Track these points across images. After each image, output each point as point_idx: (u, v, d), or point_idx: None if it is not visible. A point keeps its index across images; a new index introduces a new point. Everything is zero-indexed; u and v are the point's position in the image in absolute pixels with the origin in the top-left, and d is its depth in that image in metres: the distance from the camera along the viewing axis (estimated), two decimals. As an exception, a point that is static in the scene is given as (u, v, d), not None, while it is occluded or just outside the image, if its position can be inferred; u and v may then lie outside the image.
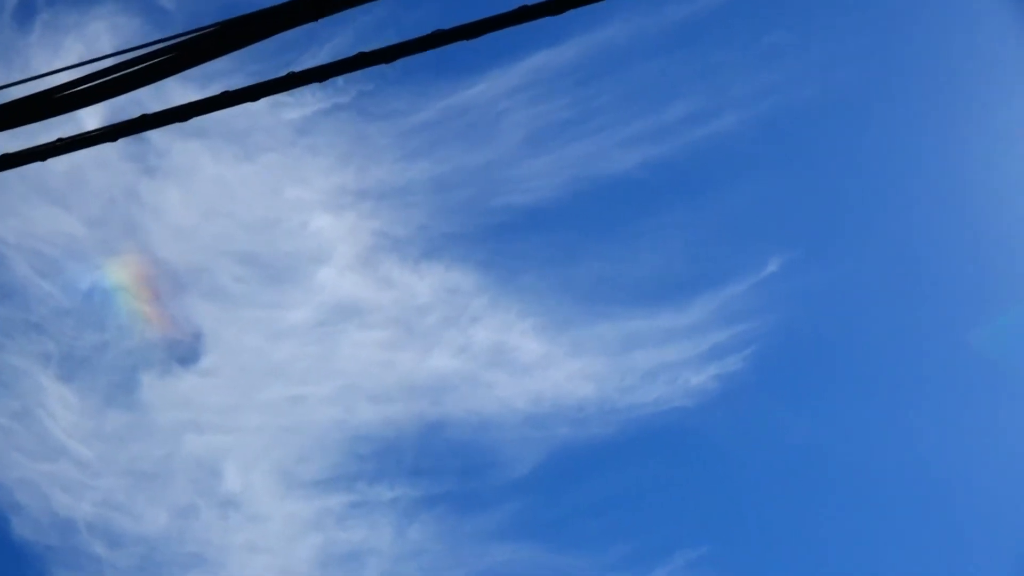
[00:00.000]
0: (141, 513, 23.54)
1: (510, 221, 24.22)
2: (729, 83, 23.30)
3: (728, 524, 24.24)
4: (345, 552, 23.60)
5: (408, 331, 24.46)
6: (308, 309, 24.35)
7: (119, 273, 23.53)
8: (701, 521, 24.19)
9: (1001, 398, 22.21)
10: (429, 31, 4.32)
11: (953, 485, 22.52)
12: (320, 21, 4.45)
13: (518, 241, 24.66)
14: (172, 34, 4.48)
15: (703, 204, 24.62)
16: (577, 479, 24.25)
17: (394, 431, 24.00)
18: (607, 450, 24.12)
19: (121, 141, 4.60)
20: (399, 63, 4.41)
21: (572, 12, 4.34)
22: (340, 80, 21.74)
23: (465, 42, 4.36)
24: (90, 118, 4.95)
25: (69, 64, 4.62)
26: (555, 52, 22.58)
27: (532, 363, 24.18)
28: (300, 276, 24.52)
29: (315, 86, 4.37)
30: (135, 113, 4.58)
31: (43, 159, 4.59)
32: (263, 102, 4.50)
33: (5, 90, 4.69)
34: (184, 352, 24.12)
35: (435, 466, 24.13)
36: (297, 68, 4.39)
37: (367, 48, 4.38)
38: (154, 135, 22.21)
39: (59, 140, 4.59)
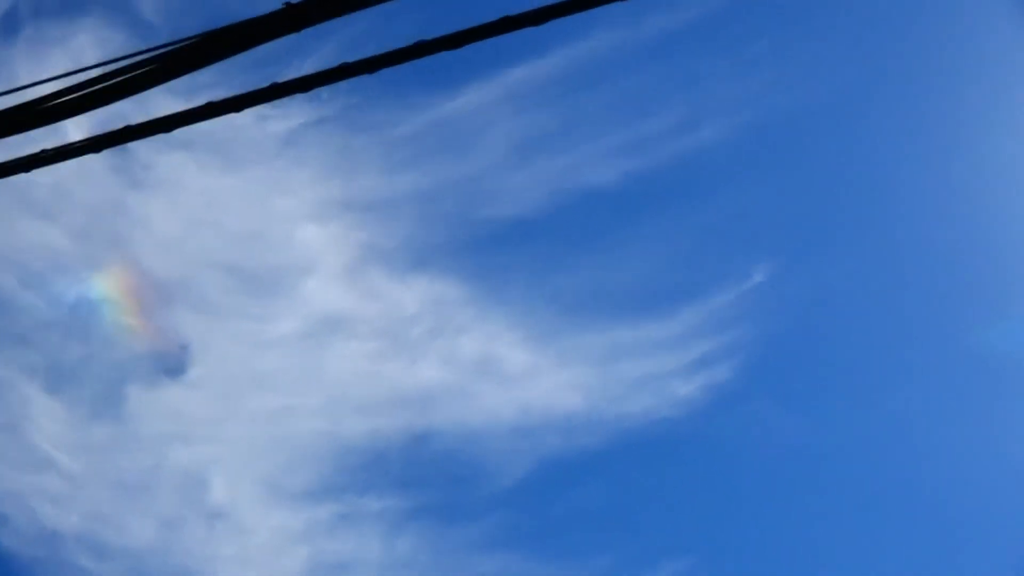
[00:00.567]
0: (128, 525, 23.52)
1: (495, 232, 24.27)
2: (711, 93, 23.37)
3: (716, 534, 24.27)
4: (333, 563, 23.60)
5: (395, 342, 24.48)
6: (294, 320, 24.35)
7: (105, 285, 23.51)
8: (689, 531, 24.21)
9: (994, 410, 22.27)
10: (412, 42, 4.34)
11: (950, 492, 22.57)
12: (302, 33, 4.47)
13: (504, 252, 24.71)
14: (154, 45, 4.49)
15: (687, 214, 24.66)
16: (565, 489, 24.26)
17: (381, 442, 24.01)
18: (595, 460, 24.14)
19: (106, 153, 4.61)
20: (385, 75, 4.43)
21: (554, 23, 4.36)
22: (325, 92, 21.55)
23: (448, 54, 4.39)
24: (74, 130, 4.96)
25: (52, 76, 4.63)
26: (538, 64, 22.64)
27: (519, 374, 24.21)
28: (286, 287, 24.54)
29: (300, 98, 4.39)
30: (118, 125, 4.59)
31: (27, 170, 4.60)
32: (248, 114, 4.52)
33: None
34: (170, 364, 24.11)
35: (422, 477, 24.14)
36: (280, 80, 4.42)
37: (350, 59, 4.40)
38: (139, 147, 22.23)
39: (43, 151, 4.60)
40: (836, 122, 23.89)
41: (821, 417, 24.35)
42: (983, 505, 21.75)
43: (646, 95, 23.28)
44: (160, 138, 4.56)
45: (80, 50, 21.43)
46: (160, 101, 4.67)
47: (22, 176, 4.66)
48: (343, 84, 4.42)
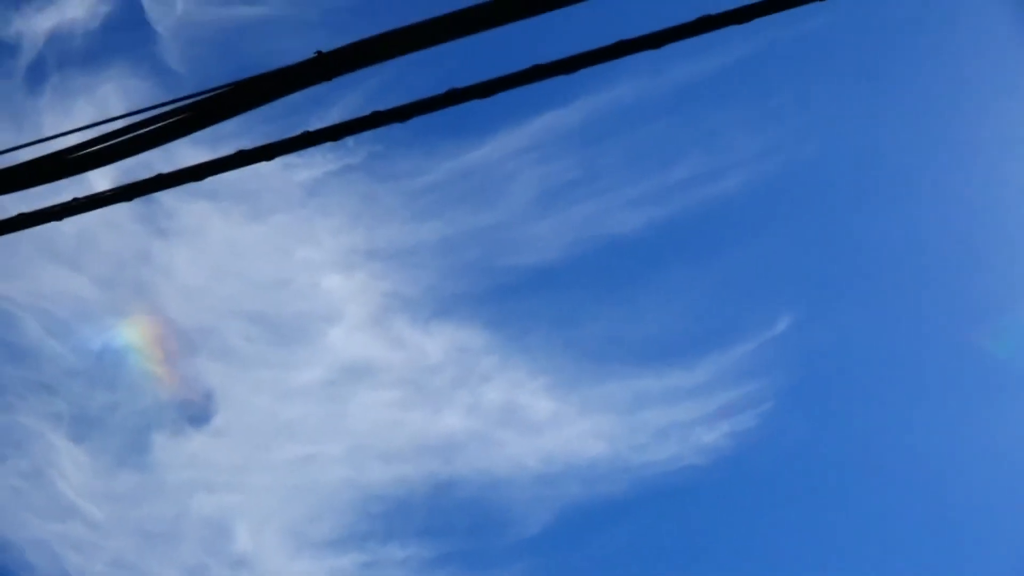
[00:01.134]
0: (152, 573, 23.46)
1: (519, 281, 24.29)
2: (733, 143, 23.40)
3: (741, 583, 24.11)
4: (356, 612, 23.50)
5: (419, 390, 24.46)
6: (318, 369, 24.36)
7: (130, 333, 23.56)
8: (714, 580, 24.07)
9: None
10: (443, 90, 4.34)
11: (976, 545, 22.40)
12: (329, 84, 4.47)
13: (527, 301, 24.71)
14: (184, 95, 4.50)
15: (710, 263, 24.66)
16: (589, 538, 24.14)
17: (405, 490, 23.94)
18: (619, 509, 24.04)
19: (130, 203, 4.62)
20: (409, 124, 4.43)
21: (580, 73, 4.36)
22: (351, 141, 21.63)
23: (473, 104, 4.39)
24: (100, 180, 4.97)
25: (81, 125, 4.64)
26: (562, 113, 22.71)
27: (543, 422, 24.16)
28: (310, 336, 24.56)
29: (325, 147, 4.39)
30: (144, 176, 4.60)
31: (59, 219, 4.61)
32: (273, 163, 4.52)
33: (18, 151, 4.71)
34: (195, 412, 24.13)
35: (446, 525, 24.06)
36: (312, 128, 4.41)
37: (380, 107, 4.41)
38: (164, 196, 22.31)
39: (74, 200, 4.60)
40: (857, 172, 23.89)
41: (845, 466, 24.24)
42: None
43: (669, 145, 23.34)
44: (185, 187, 4.56)
45: (105, 100, 21.60)
46: (185, 152, 4.68)
47: (47, 225, 4.67)
48: (367, 133, 4.43)
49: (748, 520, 24.28)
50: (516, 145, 22.79)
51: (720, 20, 4.23)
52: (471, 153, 22.94)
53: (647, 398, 23.96)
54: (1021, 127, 20.88)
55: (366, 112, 4.41)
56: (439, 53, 4.50)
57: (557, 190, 23.41)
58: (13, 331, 23.23)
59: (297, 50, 4.49)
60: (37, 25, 21.84)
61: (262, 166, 4.50)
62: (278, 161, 4.51)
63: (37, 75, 22.01)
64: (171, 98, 4.49)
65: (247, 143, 4.48)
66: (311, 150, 4.43)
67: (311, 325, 24.47)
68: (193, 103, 4.48)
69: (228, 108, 4.46)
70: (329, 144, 4.42)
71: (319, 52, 4.39)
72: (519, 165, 22.98)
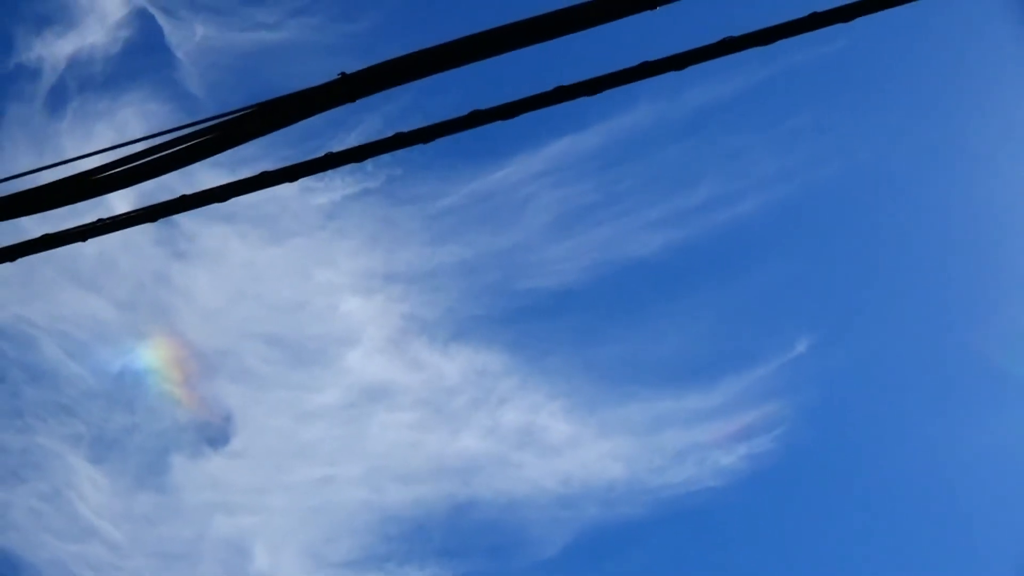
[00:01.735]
0: (171, 595, 23.48)
1: (537, 303, 24.32)
2: (751, 166, 23.43)
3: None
4: (375, 633, 23.48)
5: (437, 412, 24.47)
6: (337, 391, 24.39)
7: (149, 355, 23.62)
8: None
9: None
10: (466, 112, 4.35)
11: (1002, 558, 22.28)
12: (350, 107, 4.49)
13: (545, 323, 24.73)
14: (209, 116, 4.52)
15: (728, 286, 24.68)
16: (606, 559, 24.09)
17: (423, 511, 23.94)
18: (636, 530, 24.00)
19: (150, 225, 4.64)
20: (427, 147, 4.44)
21: (598, 96, 4.37)
22: (369, 165, 21.98)
23: (491, 128, 4.40)
24: (121, 204, 4.99)
25: (106, 147, 4.67)
26: (580, 137, 22.76)
27: (561, 444, 24.15)
28: (329, 358, 24.59)
29: (343, 171, 4.41)
30: (163, 198, 4.61)
31: (84, 239, 4.63)
32: (292, 187, 4.53)
33: (43, 172, 4.74)
34: (213, 434, 24.16)
35: (464, 546, 24.03)
36: (335, 150, 4.43)
37: (404, 129, 4.42)
38: (183, 219, 22.36)
39: (99, 220, 4.62)
40: (874, 195, 23.89)
41: (862, 488, 24.16)
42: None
43: (687, 168, 23.38)
44: (204, 210, 4.58)
45: (125, 123, 21.71)
46: (205, 176, 4.70)
47: (68, 248, 4.68)
48: (386, 156, 4.44)
49: (765, 542, 24.23)
50: (534, 168, 22.84)
51: (743, 42, 4.24)
52: (489, 176, 23.00)
53: (665, 420, 23.96)
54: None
55: (389, 134, 4.43)
56: (461, 75, 4.52)
57: (575, 213, 23.47)
58: (33, 353, 23.33)
59: (316, 74, 4.52)
60: (58, 50, 21.99)
61: (281, 190, 4.52)
62: (297, 185, 4.53)
63: (58, 99, 22.16)
64: (196, 119, 4.52)
65: (267, 167, 4.51)
66: (330, 174, 4.44)
67: (329, 347, 24.53)
68: (218, 124, 4.49)
69: (253, 129, 4.48)
70: (348, 168, 4.44)
71: (343, 73, 4.41)
72: (537, 188, 23.03)
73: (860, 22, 4.28)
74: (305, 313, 24.57)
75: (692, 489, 23.45)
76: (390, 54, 4.43)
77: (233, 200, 4.53)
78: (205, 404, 24.06)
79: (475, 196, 23.01)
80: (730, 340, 24.56)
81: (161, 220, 4.63)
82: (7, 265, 4.70)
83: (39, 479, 23.46)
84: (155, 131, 4.59)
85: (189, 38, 22.09)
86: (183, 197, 4.53)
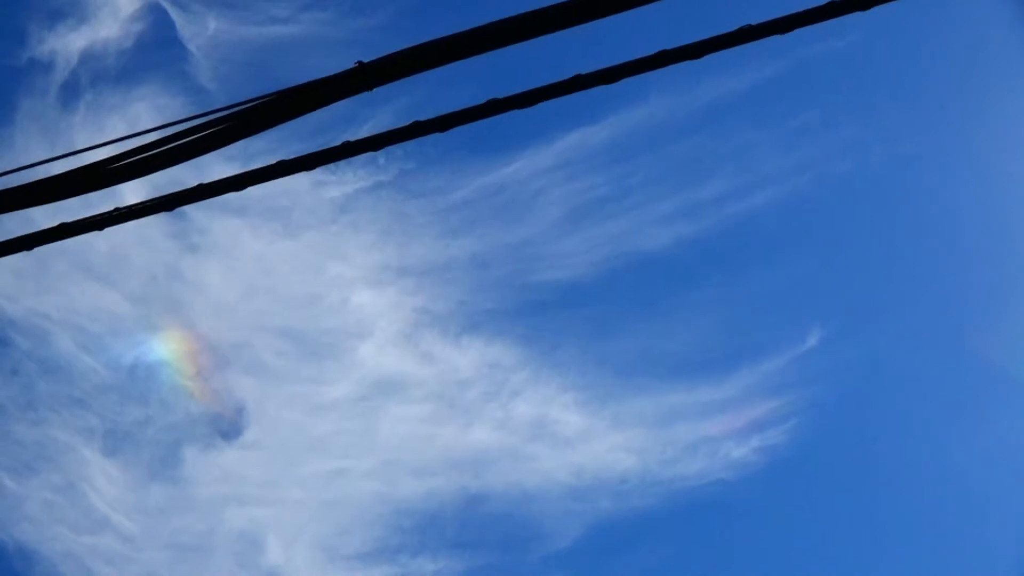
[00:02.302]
0: (184, 587, 23.55)
1: (549, 297, 24.30)
2: (763, 160, 23.39)
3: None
4: (388, 625, 23.53)
5: (449, 405, 24.48)
6: (349, 384, 24.40)
7: (162, 349, 23.66)
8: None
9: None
10: (483, 100, 4.35)
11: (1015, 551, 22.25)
12: (362, 103, 4.48)
13: (557, 316, 24.72)
14: (228, 104, 4.52)
15: (740, 279, 24.65)
16: (619, 552, 24.10)
17: (436, 504, 23.95)
18: (649, 523, 24.01)
19: (162, 218, 4.65)
20: (439, 141, 4.46)
21: (608, 90, 4.36)
22: (381, 158, 21.99)
23: (503, 122, 4.39)
24: (133, 196, 4.98)
25: (122, 136, 4.66)
26: (591, 131, 22.73)
27: (573, 436, 24.16)
28: (341, 351, 24.60)
29: (356, 164, 4.41)
30: (178, 188, 4.60)
31: (100, 228, 4.62)
32: (304, 180, 4.56)
33: (58, 162, 4.73)
34: (226, 427, 24.19)
35: (477, 539, 24.04)
36: (352, 138, 4.42)
37: (421, 118, 4.42)
38: (195, 213, 22.43)
39: (116, 210, 4.62)
40: (887, 189, 23.86)
41: (875, 481, 24.15)
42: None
43: (699, 162, 23.35)
44: (215, 204, 4.58)
45: (138, 117, 21.71)
46: (217, 170, 4.69)
47: (80, 241, 4.68)
48: (398, 151, 4.44)
49: (777, 535, 24.24)
50: (546, 162, 22.82)
51: (760, 31, 4.24)
52: (501, 170, 22.97)
53: (677, 413, 23.96)
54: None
55: (406, 123, 4.43)
56: (477, 66, 4.52)
57: (587, 206, 23.44)
58: (47, 346, 23.37)
59: (329, 69, 4.50)
60: (71, 43, 21.99)
61: (293, 184, 4.54)
62: (309, 178, 4.55)
63: (71, 93, 22.16)
64: (212, 108, 4.51)
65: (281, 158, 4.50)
66: (342, 167, 4.44)
67: (342, 340, 24.54)
68: (235, 113, 4.49)
69: (270, 118, 4.48)
70: (360, 162, 4.45)
71: (359, 62, 4.41)
72: (549, 182, 23.01)
73: (873, 13, 4.27)
74: (318, 306, 24.60)
75: (704, 481, 23.47)
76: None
77: (245, 194, 4.53)
78: (218, 397, 24.12)
79: (487, 190, 23.00)
80: (742, 333, 24.56)
81: (173, 214, 4.63)
82: (20, 259, 4.70)
83: (52, 472, 23.53)
84: (177, 119, 4.58)
85: (202, 32, 22.09)
86: (200, 186, 4.52)
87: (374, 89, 4.43)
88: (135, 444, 23.97)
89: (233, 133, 4.52)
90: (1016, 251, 22.17)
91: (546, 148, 22.69)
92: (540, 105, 4.38)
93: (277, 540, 24.17)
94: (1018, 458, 22.22)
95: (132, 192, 4.98)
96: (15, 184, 4.63)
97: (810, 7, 4.23)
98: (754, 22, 4.25)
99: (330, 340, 24.46)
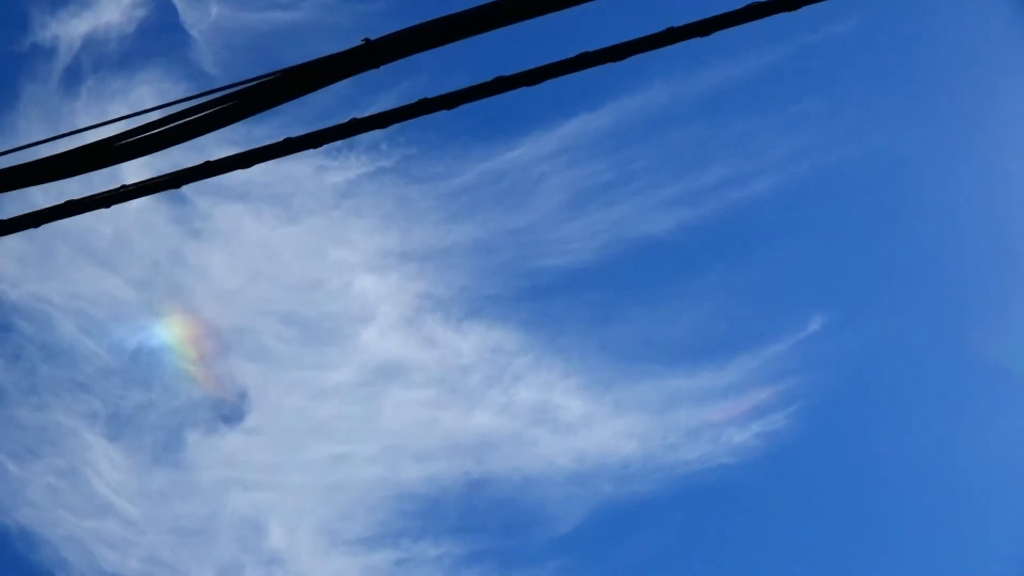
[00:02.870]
0: (186, 570, 23.60)
1: (551, 282, 24.33)
2: (765, 147, 23.38)
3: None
4: (389, 609, 23.58)
5: (451, 390, 24.51)
6: (351, 369, 24.44)
7: (164, 333, 23.68)
8: (746, 581, 24.06)
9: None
10: (490, 78, 4.34)
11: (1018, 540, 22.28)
12: (365, 88, 4.47)
13: (559, 302, 24.75)
14: (234, 82, 4.51)
15: (742, 265, 24.67)
16: (621, 536, 24.15)
17: (438, 489, 24.00)
18: (650, 508, 24.06)
19: (165, 204, 4.65)
20: (441, 126, 4.45)
21: (610, 76, 4.36)
22: (384, 143, 22.02)
23: (504, 108, 4.39)
24: (133, 176, 4.97)
25: (129, 113, 4.65)
26: (593, 116, 22.67)
27: (575, 421, 24.20)
28: (343, 336, 24.63)
29: (358, 149, 4.40)
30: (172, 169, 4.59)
31: (107, 206, 4.62)
32: (306, 165, 4.56)
33: (63, 140, 4.72)
34: (229, 411, 24.23)
35: (479, 523, 24.09)
36: (359, 116, 4.42)
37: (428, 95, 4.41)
38: (198, 198, 22.41)
39: (123, 187, 4.62)
40: (888, 175, 23.85)
41: (876, 466, 24.18)
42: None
43: (700, 148, 23.33)
44: (218, 190, 4.59)
45: (140, 102, 21.68)
46: (218, 152, 4.68)
47: (83, 226, 4.69)
48: (400, 136, 4.43)
49: (778, 520, 24.28)
50: (548, 148, 22.77)
51: (769, 8, 4.23)
52: (503, 155, 22.93)
53: (679, 398, 24.00)
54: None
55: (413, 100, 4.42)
56: (483, 46, 4.51)
57: (589, 192, 23.44)
58: (49, 331, 23.39)
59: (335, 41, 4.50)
60: (73, 29, 21.98)
61: (295, 169, 4.53)
62: (311, 163, 4.54)
63: (73, 78, 22.14)
64: (219, 86, 4.51)
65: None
66: (345, 152, 4.43)
67: (344, 325, 24.57)
68: (241, 91, 4.48)
69: (276, 96, 4.46)
70: (362, 147, 4.44)
71: (366, 39, 4.40)
72: (551, 167, 22.98)
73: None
74: (320, 291, 24.62)
75: (706, 466, 23.51)
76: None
77: (247, 180, 4.55)
78: (220, 382, 24.14)
79: (489, 175, 22.98)
80: (743, 319, 24.59)
81: (175, 200, 4.63)
82: (23, 244, 4.70)
83: (55, 456, 23.57)
84: (185, 96, 4.57)
85: (204, 18, 22.06)
86: (207, 163, 4.51)
87: (379, 68, 4.43)
88: (138, 429, 24.03)
89: (238, 111, 4.51)
90: (1018, 237, 22.17)
91: (548, 134, 22.66)
92: (542, 91, 4.37)
93: (279, 524, 24.24)
94: (1018, 450, 22.26)
95: (133, 175, 4.98)
96: (22, 161, 4.62)
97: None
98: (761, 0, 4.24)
99: (332, 325, 24.51)
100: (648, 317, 24.65)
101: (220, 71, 21.97)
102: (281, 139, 4.50)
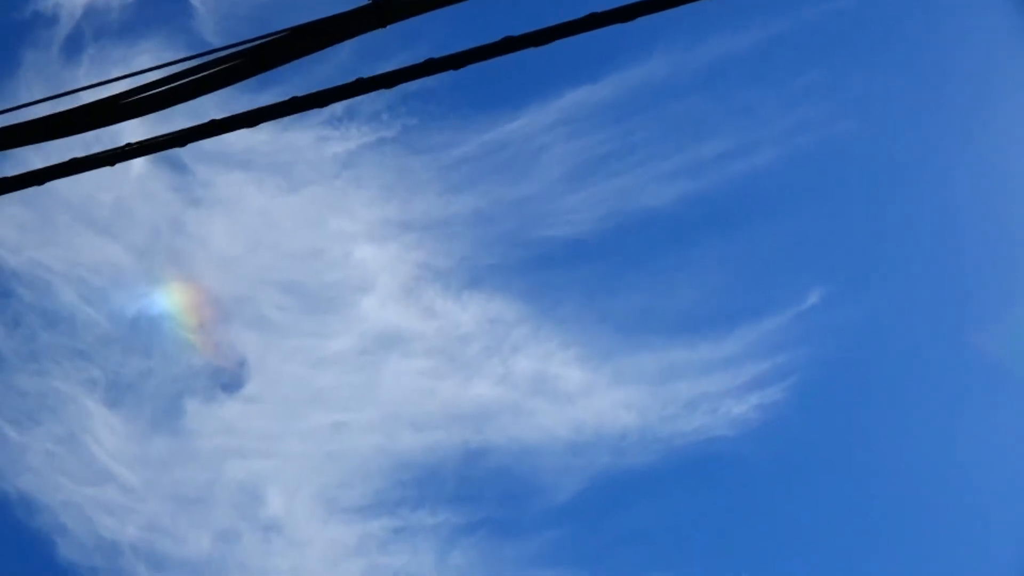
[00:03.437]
0: (185, 537, 23.68)
1: (551, 253, 24.35)
2: (766, 119, 23.35)
3: (768, 554, 24.16)
4: (387, 577, 23.67)
5: (450, 360, 24.55)
6: (351, 338, 24.47)
7: (164, 301, 23.70)
8: (742, 551, 24.13)
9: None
10: (498, 38, 4.32)
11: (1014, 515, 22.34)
12: (369, 55, 4.45)
13: (559, 273, 24.77)
14: (243, 39, 4.50)
15: (741, 237, 24.66)
16: (618, 507, 24.22)
17: (436, 458, 24.06)
18: (648, 478, 24.12)
19: (165, 172, 4.63)
20: (442, 97, 4.44)
21: (611, 48, 4.35)
22: (385, 114, 21.96)
23: (506, 78, 4.37)
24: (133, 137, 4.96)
25: (138, 70, 4.64)
26: (594, 88, 22.61)
27: (574, 392, 24.25)
28: (343, 305, 24.65)
29: (359, 119, 4.39)
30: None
31: (112, 164, 4.60)
32: (307, 135, 4.55)
33: (67, 98, 4.71)
34: (228, 379, 24.27)
35: (477, 493, 24.17)
36: (366, 75, 4.40)
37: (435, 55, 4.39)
38: (198, 166, 22.41)
39: (128, 145, 4.60)
40: (890, 149, 23.83)
41: (874, 439, 24.24)
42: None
43: (701, 120, 23.30)
44: (219, 158, 4.58)
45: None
46: (214, 112, 4.66)
47: (83, 194, 4.67)
48: (401, 107, 4.42)
49: (776, 491, 24.35)
50: (549, 119, 22.73)
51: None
52: (504, 126, 22.89)
53: (677, 369, 24.04)
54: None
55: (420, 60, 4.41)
56: (491, 3, 4.49)
57: (590, 163, 23.42)
58: (49, 298, 23.42)
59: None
60: (74, -4, 21.94)
61: (296, 139, 4.51)
62: (312, 133, 4.53)
63: (74, 46, 22.12)
64: (227, 44, 4.49)
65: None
66: (345, 123, 4.41)
67: (344, 295, 24.59)
68: (249, 49, 4.47)
69: (284, 54, 4.45)
70: (363, 117, 4.45)
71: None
72: (552, 138, 22.95)
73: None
74: (320, 261, 24.64)
75: (704, 438, 23.58)
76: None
77: (248, 148, 4.55)
78: (220, 350, 24.17)
79: (490, 146, 22.95)
80: (743, 291, 24.61)
81: (176, 167, 4.62)
82: (23, 211, 4.69)
83: (55, 423, 23.62)
84: (192, 54, 4.56)
85: (205, -15, 22.00)
86: (213, 122, 4.50)
87: (386, 28, 4.41)
88: (137, 396, 24.07)
89: (245, 70, 4.49)
90: (1019, 211, 22.16)
91: (549, 105, 22.61)
92: (544, 62, 4.39)
93: (277, 492, 24.32)
94: (1017, 442, 22.30)
95: (133, 135, 4.96)
96: (30, 118, 4.61)
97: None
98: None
99: (332, 294, 24.53)
100: (647, 288, 24.69)
101: (222, 40, 21.87)
102: (288, 98, 4.48)
